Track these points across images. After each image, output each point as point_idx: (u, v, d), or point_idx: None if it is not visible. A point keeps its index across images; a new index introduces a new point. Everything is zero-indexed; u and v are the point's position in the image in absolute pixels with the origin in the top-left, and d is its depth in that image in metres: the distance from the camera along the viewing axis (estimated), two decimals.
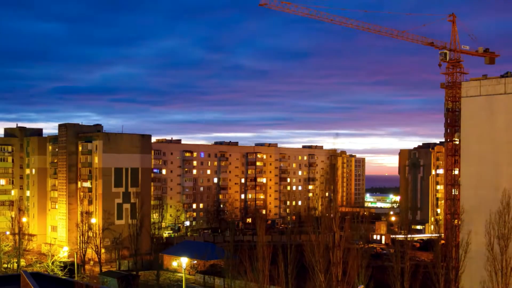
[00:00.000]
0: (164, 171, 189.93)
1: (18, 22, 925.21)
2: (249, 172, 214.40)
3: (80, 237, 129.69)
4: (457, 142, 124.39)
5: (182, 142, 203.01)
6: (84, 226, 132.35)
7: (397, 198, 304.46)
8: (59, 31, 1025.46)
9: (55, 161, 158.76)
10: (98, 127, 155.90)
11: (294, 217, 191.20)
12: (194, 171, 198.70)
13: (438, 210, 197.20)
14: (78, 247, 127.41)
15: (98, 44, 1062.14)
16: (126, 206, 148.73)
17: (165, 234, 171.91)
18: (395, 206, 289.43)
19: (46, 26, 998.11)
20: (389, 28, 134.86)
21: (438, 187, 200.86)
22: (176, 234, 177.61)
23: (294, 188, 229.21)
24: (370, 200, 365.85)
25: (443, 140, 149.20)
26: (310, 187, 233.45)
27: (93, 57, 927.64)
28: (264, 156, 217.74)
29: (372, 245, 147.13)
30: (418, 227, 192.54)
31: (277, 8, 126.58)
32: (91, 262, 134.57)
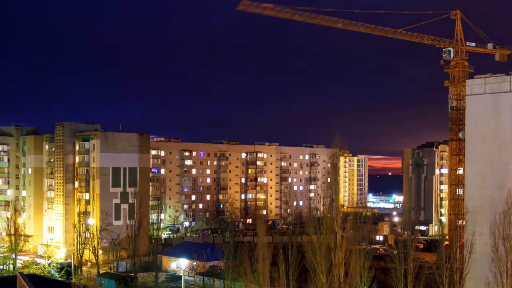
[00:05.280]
0: (163, 171, 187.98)
1: None
2: (249, 172, 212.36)
3: (77, 238, 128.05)
4: (462, 141, 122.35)
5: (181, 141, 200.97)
6: (81, 227, 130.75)
7: (400, 198, 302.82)
8: None
9: (52, 160, 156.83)
10: (95, 126, 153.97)
11: (295, 218, 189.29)
12: (194, 171, 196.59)
13: (442, 210, 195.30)
14: (75, 248, 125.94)
15: None
16: (124, 206, 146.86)
17: (164, 235, 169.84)
18: (398, 207, 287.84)
19: None
20: (387, 27, 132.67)
21: (442, 187, 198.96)
22: (175, 235, 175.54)
23: (295, 188, 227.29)
24: (372, 200, 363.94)
25: (447, 139, 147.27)
26: (312, 187, 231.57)
27: None
28: (265, 156, 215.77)
29: (374, 246, 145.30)
30: (422, 227, 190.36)
31: (257, 11, 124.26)
32: (89, 264, 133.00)
